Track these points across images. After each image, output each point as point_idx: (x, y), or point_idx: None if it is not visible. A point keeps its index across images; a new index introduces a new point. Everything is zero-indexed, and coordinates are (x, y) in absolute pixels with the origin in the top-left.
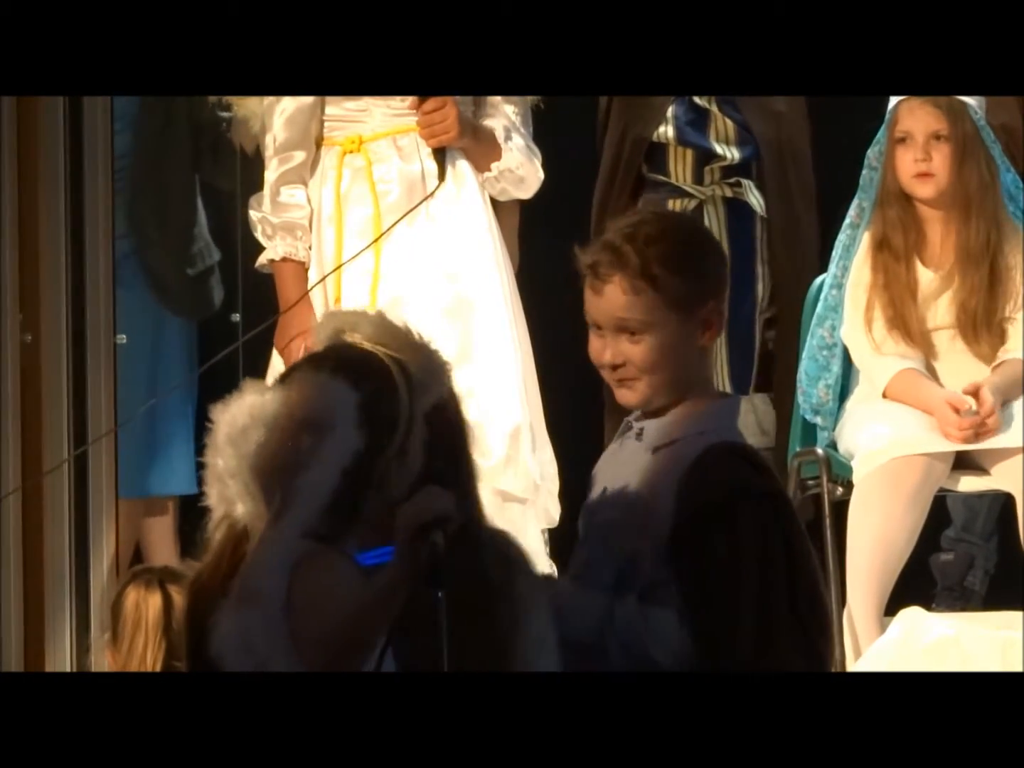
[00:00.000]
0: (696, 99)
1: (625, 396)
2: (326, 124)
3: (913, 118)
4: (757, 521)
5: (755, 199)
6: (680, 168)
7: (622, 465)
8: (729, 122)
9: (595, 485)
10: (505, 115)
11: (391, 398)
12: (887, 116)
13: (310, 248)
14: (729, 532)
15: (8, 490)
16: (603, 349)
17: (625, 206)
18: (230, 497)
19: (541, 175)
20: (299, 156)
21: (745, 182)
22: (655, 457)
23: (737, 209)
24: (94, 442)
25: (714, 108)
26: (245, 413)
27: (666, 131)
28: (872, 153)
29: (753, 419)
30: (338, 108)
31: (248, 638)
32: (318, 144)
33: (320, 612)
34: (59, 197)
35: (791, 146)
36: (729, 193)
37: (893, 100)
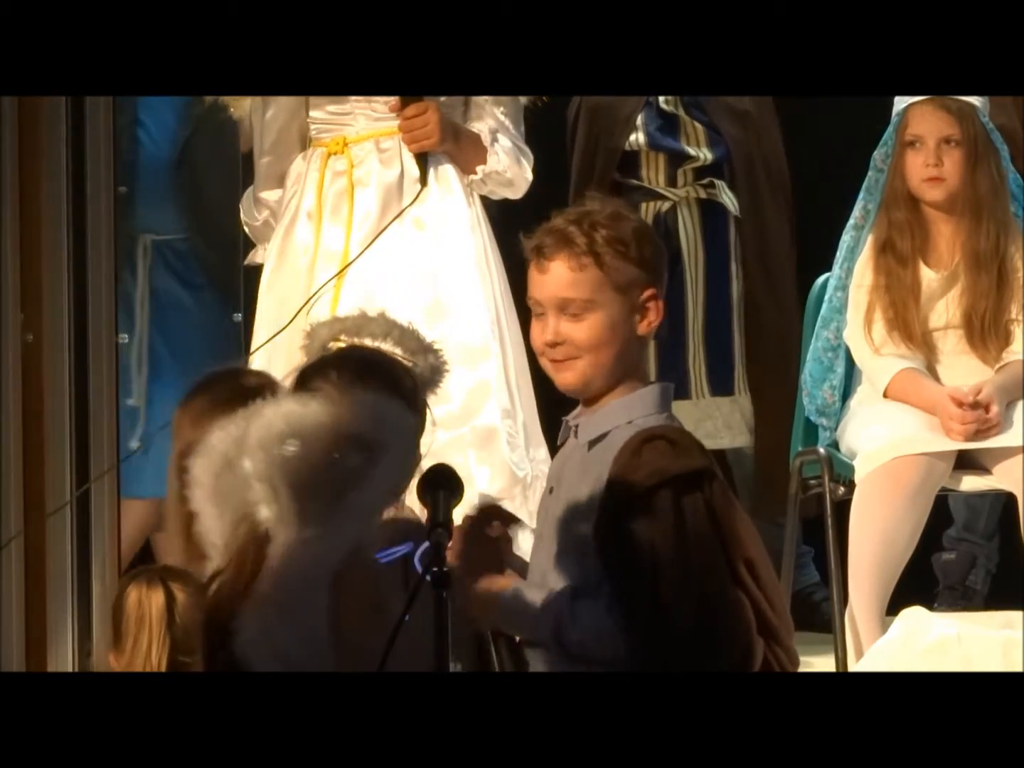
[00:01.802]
0: (663, 105)
1: (565, 378)
2: (313, 126)
3: (924, 122)
4: (677, 504)
5: (728, 199)
6: (653, 172)
7: (566, 464)
8: (698, 125)
9: (545, 487)
10: (493, 116)
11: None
12: (896, 119)
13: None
14: (649, 519)
15: (10, 490)
16: (543, 331)
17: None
18: (253, 500)
19: (529, 176)
20: (287, 157)
21: (718, 183)
22: (591, 452)
23: (711, 210)
24: (96, 480)
25: (681, 112)
26: (282, 420)
27: (637, 138)
28: (878, 155)
29: (739, 418)
30: (322, 112)
31: (283, 648)
32: (307, 145)
33: (368, 622)
34: (61, 196)
35: (760, 144)
36: (703, 195)
37: (901, 103)
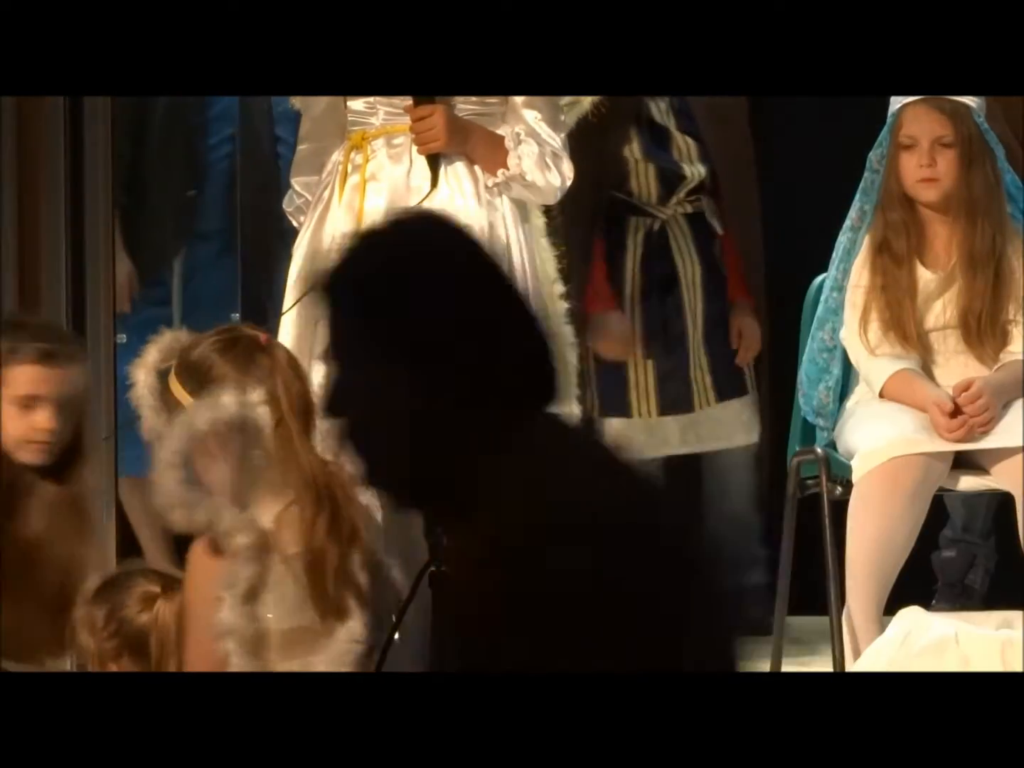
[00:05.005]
0: (655, 116)
1: None
2: (350, 117)
3: (918, 123)
4: None
5: (714, 218)
6: (644, 189)
7: None
8: (689, 139)
9: None
10: (523, 120)
11: None
12: (890, 120)
13: None
14: None
15: None
16: None
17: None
18: None
19: (558, 183)
20: (321, 146)
21: (705, 200)
22: None
23: (700, 222)
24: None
25: (672, 126)
26: None
27: (631, 148)
28: (874, 156)
29: (751, 415)
30: (357, 104)
31: None
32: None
33: None
34: (60, 196)
35: (742, 150)
36: (690, 209)
37: (896, 103)
